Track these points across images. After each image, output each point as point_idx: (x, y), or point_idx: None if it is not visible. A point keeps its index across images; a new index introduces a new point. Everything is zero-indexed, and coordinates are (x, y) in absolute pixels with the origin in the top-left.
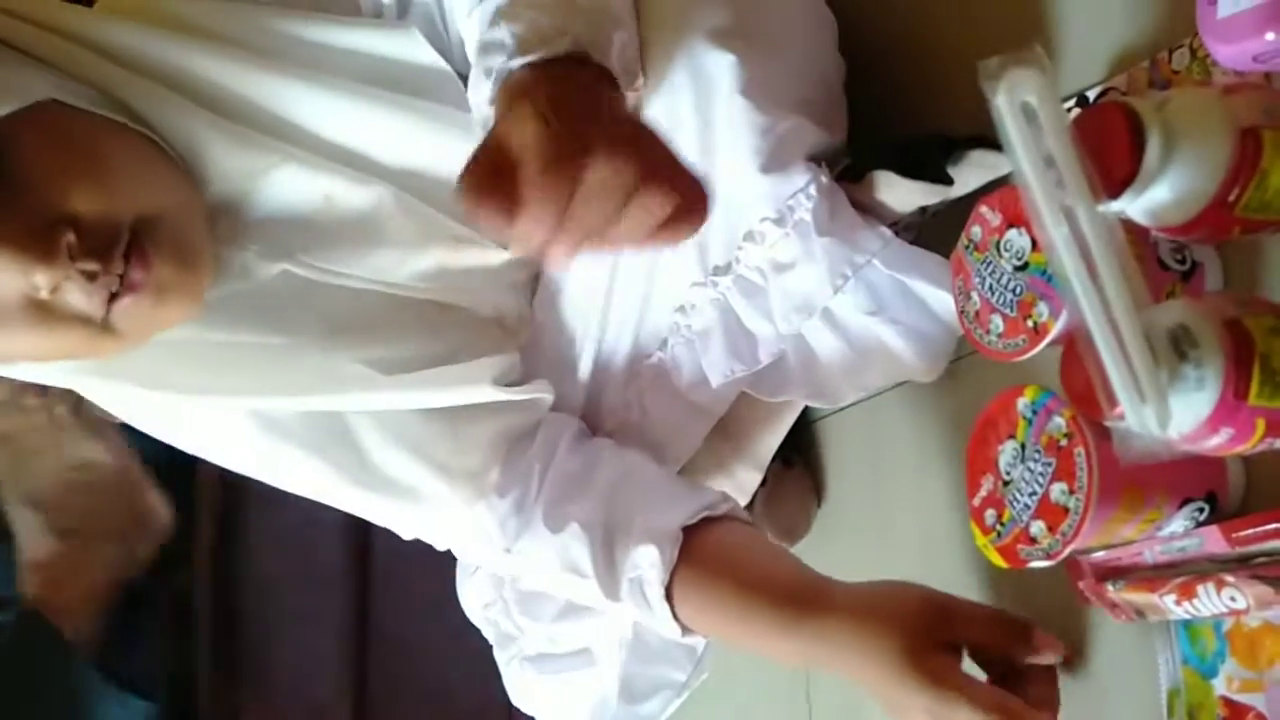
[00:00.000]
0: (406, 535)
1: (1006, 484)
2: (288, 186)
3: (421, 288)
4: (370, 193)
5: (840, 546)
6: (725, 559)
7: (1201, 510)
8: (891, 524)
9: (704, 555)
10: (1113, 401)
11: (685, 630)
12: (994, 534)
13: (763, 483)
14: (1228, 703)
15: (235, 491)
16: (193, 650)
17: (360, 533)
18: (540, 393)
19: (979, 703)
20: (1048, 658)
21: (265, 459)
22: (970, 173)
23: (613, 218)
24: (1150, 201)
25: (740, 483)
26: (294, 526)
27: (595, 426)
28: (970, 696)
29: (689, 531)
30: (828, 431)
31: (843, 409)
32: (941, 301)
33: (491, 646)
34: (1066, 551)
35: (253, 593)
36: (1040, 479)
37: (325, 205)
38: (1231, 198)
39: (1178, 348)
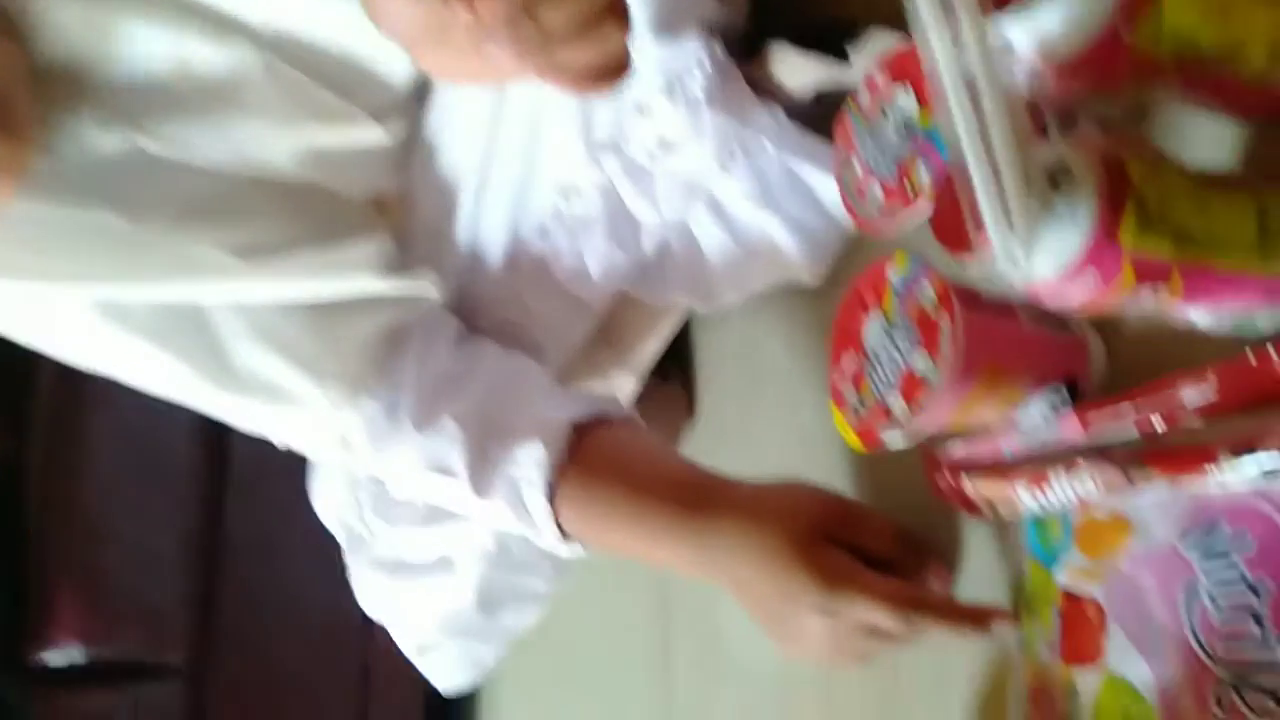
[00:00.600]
0: (276, 441)
1: (869, 359)
2: (136, 46)
3: (290, 168)
4: (233, 56)
5: (710, 461)
6: (617, 460)
7: (1060, 396)
8: (763, 436)
9: (593, 456)
10: (980, 229)
11: (564, 537)
12: (852, 413)
13: (637, 394)
14: (1067, 594)
15: (75, 382)
16: (22, 542)
17: (214, 431)
18: (421, 288)
19: (875, 593)
20: (936, 585)
21: (113, 354)
22: (869, 56)
23: (567, 37)
24: (1040, 28)
25: (616, 390)
26: (140, 422)
27: (470, 326)
28: (865, 587)
29: (579, 431)
30: (705, 342)
31: (721, 318)
32: (830, 193)
33: None
34: (922, 426)
35: (91, 489)
36: (903, 351)
37: (180, 69)
38: (1124, 28)
39: (1053, 181)
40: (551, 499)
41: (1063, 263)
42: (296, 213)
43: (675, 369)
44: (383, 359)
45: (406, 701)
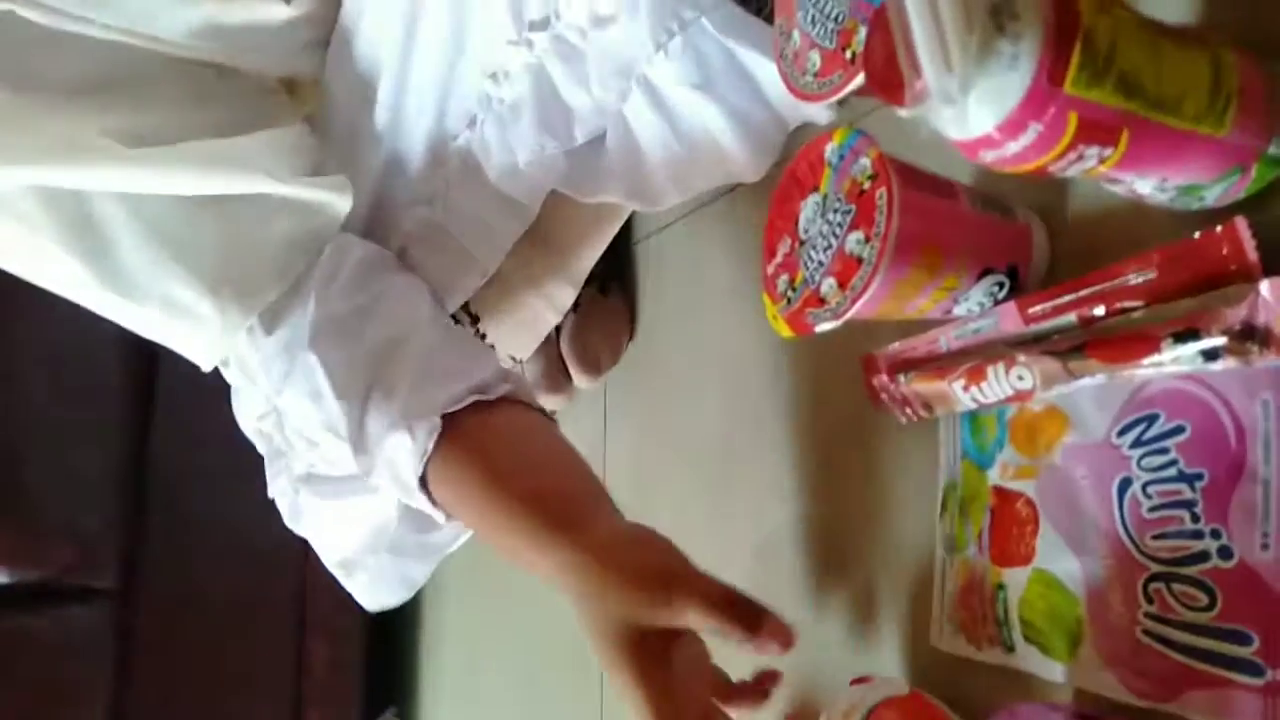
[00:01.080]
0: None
1: (803, 244)
2: None
3: (189, 44)
4: None
5: (651, 376)
6: (488, 455)
7: (1001, 285)
8: (702, 351)
9: (465, 446)
10: (916, 71)
11: (449, 516)
12: (784, 302)
13: (575, 308)
14: (999, 491)
15: None
16: None
17: (143, 351)
18: (330, 194)
19: (643, 710)
20: (771, 650)
21: (2, 244)
22: None
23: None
24: None
25: (552, 299)
26: (66, 341)
27: (391, 227)
28: (638, 701)
29: (457, 414)
30: (646, 255)
31: (663, 228)
32: (772, 82)
33: None
34: (854, 309)
35: (15, 408)
36: (838, 230)
37: None
38: None
39: (997, 19)
40: (426, 480)
41: (1003, 111)
42: (196, 99)
43: (615, 284)
44: (283, 280)
45: (346, 628)
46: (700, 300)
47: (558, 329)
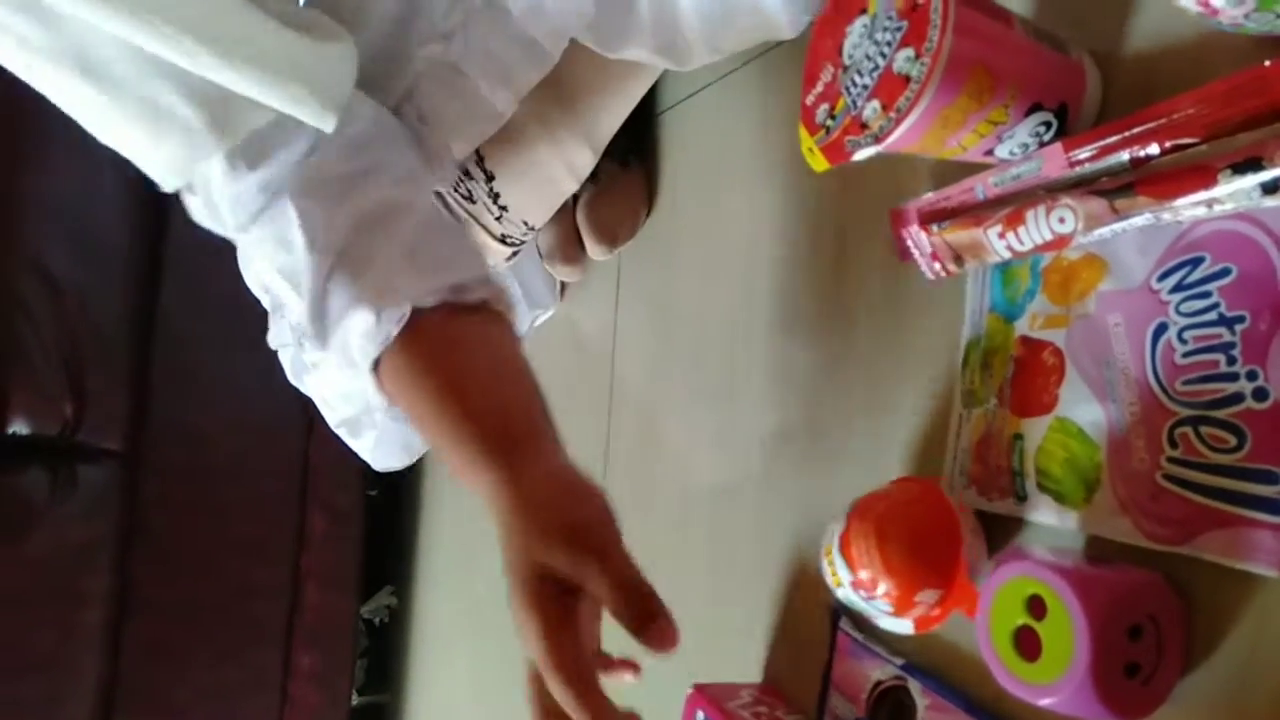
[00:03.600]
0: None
1: (846, 69)
2: None
3: None
4: None
5: (666, 251)
6: (447, 359)
7: (1048, 126)
8: (722, 227)
9: (427, 344)
10: None
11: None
12: (822, 132)
13: (593, 179)
14: (1025, 342)
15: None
16: None
17: (150, 208)
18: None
19: (544, 655)
20: (650, 648)
21: None
22: None
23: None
24: None
25: (570, 160)
26: (73, 196)
27: (403, 69)
28: (536, 637)
29: (422, 312)
30: (670, 127)
31: (689, 96)
32: None
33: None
34: (898, 131)
35: (21, 264)
36: (885, 49)
37: None
38: None
39: None
40: (378, 367)
41: None
42: None
43: (636, 158)
44: (275, 113)
45: (346, 507)
46: (724, 175)
47: (575, 199)
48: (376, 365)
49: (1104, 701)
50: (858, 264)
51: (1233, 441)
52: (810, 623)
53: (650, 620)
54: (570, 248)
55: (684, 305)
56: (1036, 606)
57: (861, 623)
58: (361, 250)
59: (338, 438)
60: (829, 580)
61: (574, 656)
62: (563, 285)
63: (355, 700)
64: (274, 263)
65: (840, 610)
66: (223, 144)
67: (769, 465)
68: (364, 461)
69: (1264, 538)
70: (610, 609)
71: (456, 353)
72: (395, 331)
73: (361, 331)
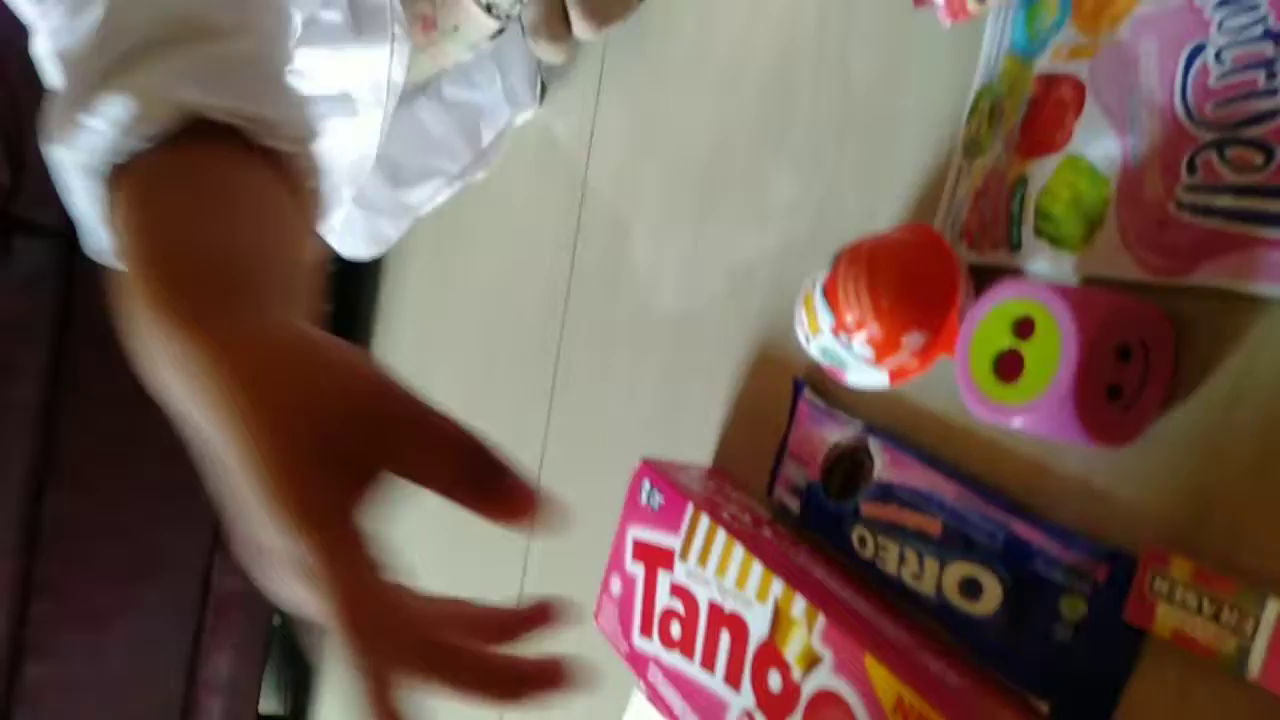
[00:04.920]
0: None
1: None
2: None
3: None
4: None
5: (658, 40)
6: (208, 185)
7: None
8: (717, 24)
9: (189, 162)
10: None
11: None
12: None
13: None
14: (1043, 79)
15: None
16: None
17: None
18: None
19: (326, 576)
20: (508, 509)
21: None
22: None
23: None
24: None
25: None
26: None
27: None
28: (323, 564)
29: (205, 126)
30: None
31: None
32: None
33: None
34: None
35: None
36: None
37: None
38: None
39: None
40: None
41: None
42: None
43: None
44: None
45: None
46: None
47: None
48: (117, 177)
49: (1081, 418)
50: (867, 44)
51: (1259, 160)
52: (769, 405)
53: (500, 474)
54: (556, 23)
55: (670, 102)
56: (1024, 328)
57: (825, 389)
58: (170, 41)
59: None
60: (803, 331)
61: (392, 597)
62: (543, 89)
63: None
64: (57, 40)
65: (803, 383)
66: None
67: (746, 261)
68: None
69: (1277, 256)
70: (440, 475)
71: (222, 184)
72: (158, 131)
73: (123, 119)
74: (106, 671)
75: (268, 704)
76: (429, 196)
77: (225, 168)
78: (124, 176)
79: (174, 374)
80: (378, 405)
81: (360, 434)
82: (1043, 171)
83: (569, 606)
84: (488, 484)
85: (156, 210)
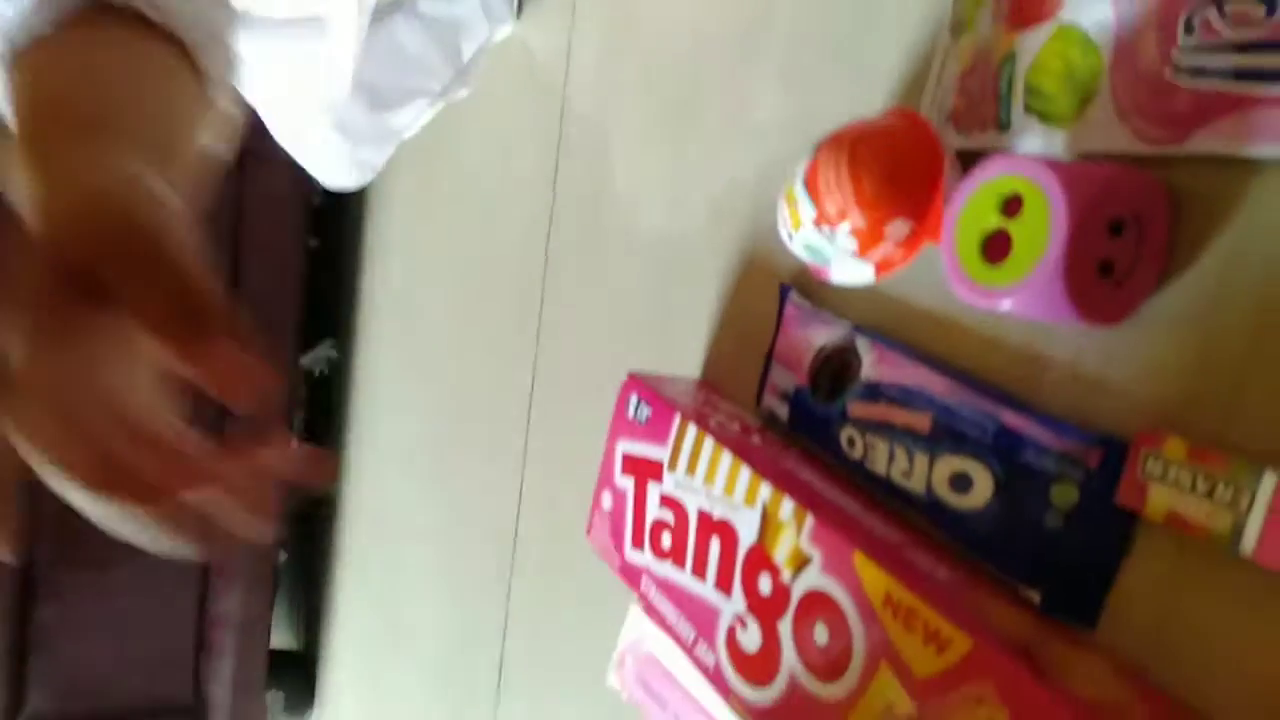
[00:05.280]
0: None
1: None
2: None
3: None
4: None
5: None
6: (85, 55)
7: None
8: None
9: (74, 39)
10: None
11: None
12: None
13: None
14: None
15: None
16: None
17: None
18: None
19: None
20: (216, 372)
21: None
22: None
23: None
24: None
25: None
26: None
27: None
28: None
29: (102, 11)
30: None
31: None
32: None
33: None
34: None
35: None
36: None
37: None
38: None
39: None
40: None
41: None
42: None
43: None
44: None
45: (283, 251)
46: None
47: None
48: (18, 57)
49: (1071, 295)
50: None
51: (1260, 13)
52: (756, 316)
53: (208, 325)
54: None
55: (644, 21)
56: (1012, 206)
57: (811, 290)
58: None
59: (273, 171)
60: (786, 229)
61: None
62: (519, 2)
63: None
64: None
65: (789, 287)
66: None
67: (728, 168)
68: (304, 211)
69: (1277, 115)
70: (152, 320)
71: (91, 51)
72: (57, 18)
73: (19, 11)
74: (116, 610)
75: (282, 639)
76: (412, 118)
77: (116, 40)
78: (22, 55)
79: (13, 194)
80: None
81: (119, 261)
82: (1032, 45)
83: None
84: (194, 330)
85: (39, 72)
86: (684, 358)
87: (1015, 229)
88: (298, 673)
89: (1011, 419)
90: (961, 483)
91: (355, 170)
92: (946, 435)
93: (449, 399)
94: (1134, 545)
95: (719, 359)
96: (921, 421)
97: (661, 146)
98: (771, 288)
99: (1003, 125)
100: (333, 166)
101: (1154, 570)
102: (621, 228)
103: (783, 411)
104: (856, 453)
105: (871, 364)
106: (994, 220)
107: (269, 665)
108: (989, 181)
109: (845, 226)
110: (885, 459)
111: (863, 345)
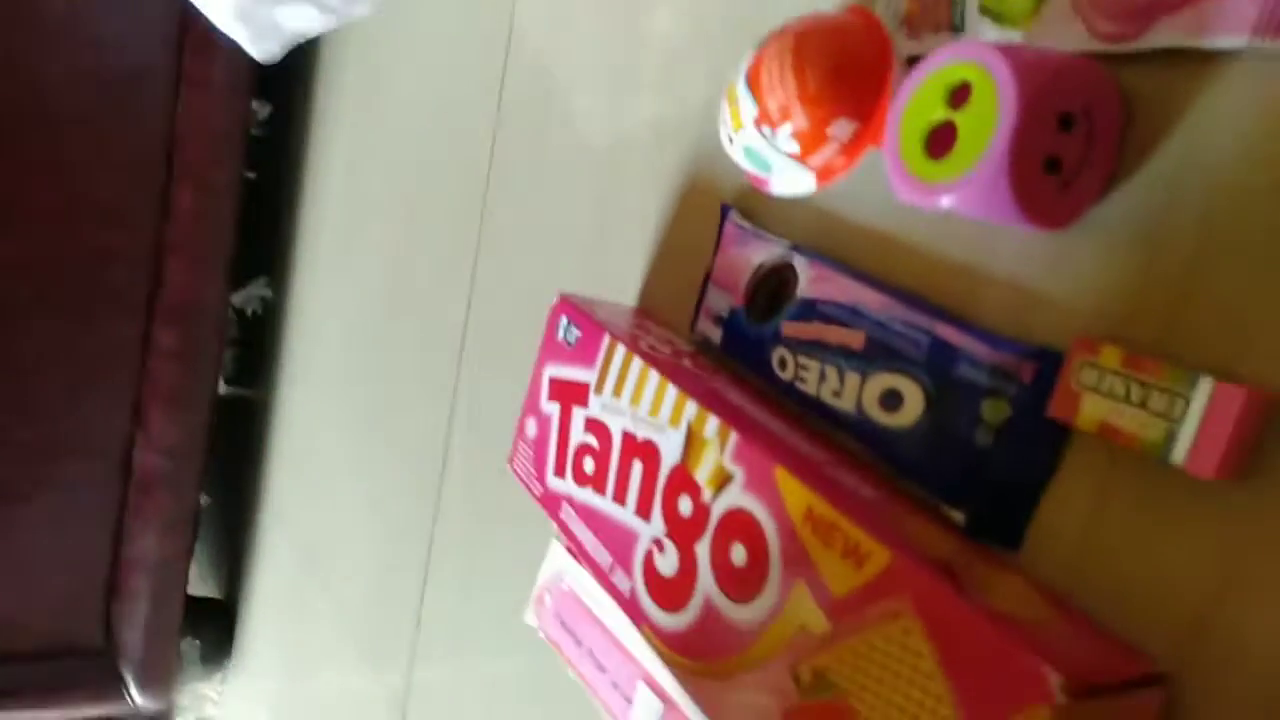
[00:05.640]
0: None
1: None
2: None
3: None
4: None
5: None
6: None
7: None
8: None
9: None
10: None
11: None
12: None
13: None
14: None
15: None
16: None
17: None
18: None
19: None
20: None
21: None
22: None
23: None
24: None
25: None
26: None
27: None
28: None
29: None
30: None
31: None
32: None
33: None
34: None
35: None
36: None
37: None
38: None
39: None
40: None
41: None
42: None
43: None
44: None
45: (217, 182)
46: None
47: None
48: None
49: (1015, 192)
50: None
51: None
52: (696, 240)
53: None
54: None
55: None
56: (959, 95)
57: (753, 211)
58: None
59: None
60: (726, 131)
61: None
62: None
63: (223, 390)
64: None
65: (729, 207)
66: None
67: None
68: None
69: (1238, 1)
70: None
71: None
72: None
73: None
74: (24, 547)
75: (204, 587)
76: (304, 26)
77: None
78: None
79: None
80: None
81: None
82: None
83: None
84: None
85: None
86: (624, 285)
87: (962, 119)
88: (218, 622)
89: (946, 332)
90: (892, 400)
91: (275, 32)
92: (879, 351)
93: (382, 336)
94: (1064, 461)
95: (656, 284)
96: (855, 339)
97: (610, 57)
98: (713, 210)
99: (956, 27)
100: (260, 38)
101: (1082, 486)
102: (565, 146)
103: (715, 335)
104: (788, 374)
105: (809, 282)
106: (940, 112)
107: (187, 613)
108: (937, 70)
109: (787, 128)
110: (816, 379)
111: (800, 263)
